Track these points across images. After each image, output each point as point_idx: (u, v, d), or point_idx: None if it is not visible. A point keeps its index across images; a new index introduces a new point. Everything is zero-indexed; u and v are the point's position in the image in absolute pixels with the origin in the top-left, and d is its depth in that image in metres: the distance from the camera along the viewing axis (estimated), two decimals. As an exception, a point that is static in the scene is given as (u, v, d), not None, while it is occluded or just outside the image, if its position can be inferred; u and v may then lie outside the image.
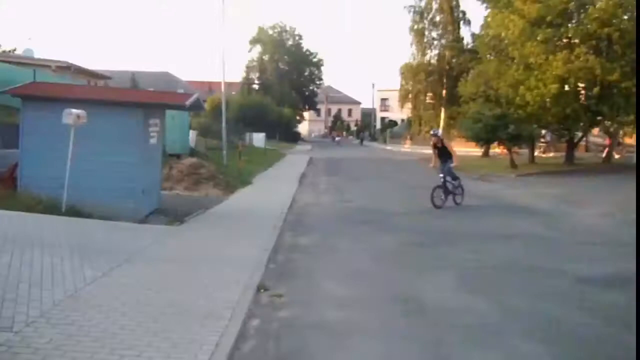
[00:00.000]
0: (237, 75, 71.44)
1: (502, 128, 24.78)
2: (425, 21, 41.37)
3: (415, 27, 41.33)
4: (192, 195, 14.56)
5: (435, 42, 41.29)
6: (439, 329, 5.30)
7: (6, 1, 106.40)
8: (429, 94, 41.72)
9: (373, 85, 78.45)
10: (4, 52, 36.03)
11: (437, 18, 41.11)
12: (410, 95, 42.03)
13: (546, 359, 4.65)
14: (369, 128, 74.86)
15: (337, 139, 62.49)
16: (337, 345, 4.87)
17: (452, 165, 13.55)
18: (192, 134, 24.90)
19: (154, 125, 10.85)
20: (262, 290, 6.30)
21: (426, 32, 41.13)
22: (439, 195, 13.25)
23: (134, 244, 7.99)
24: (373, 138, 67.35)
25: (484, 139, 27.22)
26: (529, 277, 7.25)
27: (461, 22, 41.04)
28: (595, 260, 8.22)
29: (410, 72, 41.16)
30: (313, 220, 11.93)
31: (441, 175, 13.46)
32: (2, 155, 15.90)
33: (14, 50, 38.79)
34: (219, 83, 37.41)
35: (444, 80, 40.14)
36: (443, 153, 13.79)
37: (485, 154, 33.15)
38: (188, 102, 10.97)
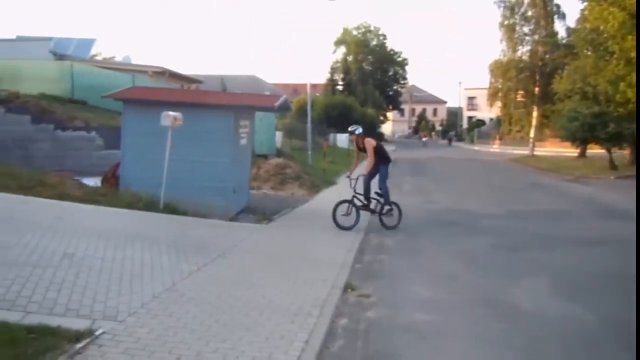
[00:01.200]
0: (321, 76, 72.25)
1: (600, 127, 23.35)
2: (517, 16, 39.63)
3: (506, 22, 39.73)
4: (278, 194, 14.87)
5: (527, 38, 39.49)
6: (531, 335, 5.07)
7: (105, 12, 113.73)
8: (520, 92, 39.99)
9: (460, 83, 76.45)
10: (104, 59, 38.60)
11: (529, 12, 39.32)
12: (500, 93, 40.49)
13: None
14: (455, 128, 73.01)
15: (423, 139, 60.68)
16: (427, 348, 4.79)
17: (365, 173, 10.68)
18: (278, 135, 25.42)
19: (244, 126, 11.19)
20: (349, 290, 6.32)
21: (517, 28, 39.42)
22: (343, 212, 10.17)
23: (226, 240, 8.26)
24: (459, 138, 65.56)
25: (580, 139, 25.79)
26: (624, 285, 6.77)
27: (555, 16, 39.02)
28: None
29: (500, 69, 39.62)
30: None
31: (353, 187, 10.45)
32: (104, 156, 17.12)
33: (114, 57, 41.44)
34: (304, 85, 38.07)
35: (537, 77, 38.34)
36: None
37: (582, 154, 31.38)
38: (277, 104, 11.21)
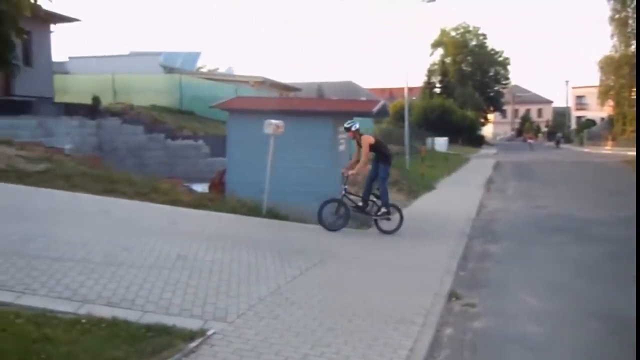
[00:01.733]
0: (417, 79, 71.31)
1: None
2: (629, 9, 36.96)
3: (617, 16, 37.19)
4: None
5: (641, 32, 36.66)
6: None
7: (209, 26, 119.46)
8: (634, 89, 37.14)
9: (567, 82, 72.11)
10: (209, 71, 40.58)
11: (643, 5, 36.50)
12: (611, 91, 37.88)
13: None
14: (563, 128, 68.95)
15: (529, 141, 56.22)
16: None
17: (350, 172, 9.58)
18: (376, 140, 25.32)
19: (343, 132, 11.27)
20: (454, 299, 6.15)
21: (630, 22, 36.74)
22: (331, 211, 9.45)
23: (326, 245, 8.35)
24: (567, 139, 61.74)
25: None
26: None
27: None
28: None
29: (611, 65, 37.17)
30: (502, 227, 11.35)
31: (345, 186, 9.62)
32: (210, 163, 17.99)
33: (217, 69, 43.48)
34: (400, 89, 37.75)
35: (651, 74, 35.45)
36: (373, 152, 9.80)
37: None
38: (375, 109, 11.21)
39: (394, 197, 15.28)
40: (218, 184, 11.51)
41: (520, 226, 11.38)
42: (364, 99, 27.51)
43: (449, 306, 5.91)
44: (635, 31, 36.63)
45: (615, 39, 37.47)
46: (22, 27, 12.42)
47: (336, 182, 10.91)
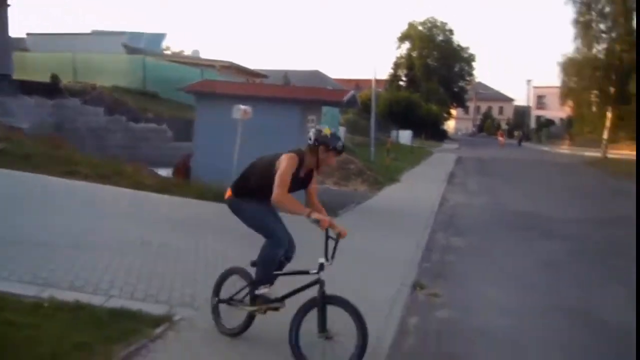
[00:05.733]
0: (383, 72, 71.68)
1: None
2: (593, 13, 37.89)
3: (581, 19, 38.06)
4: (341, 189, 14.89)
5: (604, 35, 37.69)
6: (613, 347, 4.84)
7: (175, 7, 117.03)
8: (594, 92, 38.19)
9: (528, 81, 73.80)
10: (174, 53, 39.83)
11: (607, 9, 37.49)
12: (572, 93, 38.84)
13: None
14: (522, 127, 70.57)
15: (500, 138, 54.71)
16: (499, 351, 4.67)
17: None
18: (341, 130, 25.43)
19: (311, 120, 11.24)
20: (418, 289, 6.23)
21: (593, 25, 37.69)
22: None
23: (295, 233, 8.30)
24: (526, 138, 63.20)
25: (660, 142, 24.39)
26: None
27: (634, 13, 37.02)
28: None
29: (573, 67, 37.98)
30: (465, 221, 11.54)
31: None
32: (175, 147, 17.64)
33: (183, 51, 42.71)
34: (367, 80, 37.83)
35: (612, 77, 36.53)
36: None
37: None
38: (345, 98, 11.21)
39: (358, 187, 15.41)
40: (183, 169, 11.34)
41: (483, 222, 11.59)
42: (330, 88, 27.54)
43: (414, 296, 5.99)
44: (595, 34, 37.69)
45: (579, 41, 38.32)
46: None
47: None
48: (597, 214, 12.09)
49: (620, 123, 34.67)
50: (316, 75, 53.00)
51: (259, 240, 4.35)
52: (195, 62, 30.82)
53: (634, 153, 33.82)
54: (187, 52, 42.10)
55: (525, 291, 6.58)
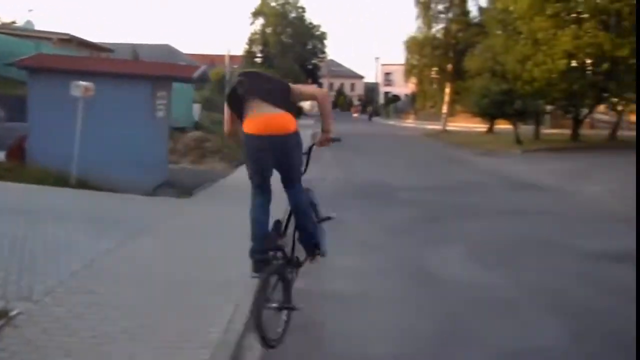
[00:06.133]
0: (239, 48, 70.86)
1: (508, 104, 24.65)
2: (432, -8, 40.66)
3: (421, -1, 40.71)
4: (198, 168, 14.61)
5: (442, 16, 40.70)
6: (449, 301, 5.38)
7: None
8: (434, 69, 41.28)
9: (377, 59, 77.71)
10: (4, 24, 35.74)
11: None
12: (415, 70, 41.61)
13: (561, 330, 4.70)
14: (373, 103, 74.33)
15: (354, 115, 57.12)
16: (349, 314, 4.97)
17: None
18: (197, 107, 24.80)
19: (161, 98, 10.80)
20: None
21: (432, 5, 40.50)
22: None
23: (145, 215, 8.04)
24: (376, 113, 66.86)
25: (490, 115, 27.06)
26: (538, 251, 7.31)
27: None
28: (602, 236, 8.26)
29: (415, 46, 40.66)
30: (317, 192, 11.90)
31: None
32: (8, 128, 15.93)
33: (14, 22, 38.46)
34: (221, 56, 37.13)
35: (450, 55, 39.72)
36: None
37: (490, 129, 33.02)
38: (195, 75, 10.92)
39: (215, 166, 15.21)
40: (17, 151, 10.32)
41: (335, 192, 12.07)
42: (183, 64, 26.63)
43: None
44: (434, 14, 40.48)
45: (420, 20, 40.97)
46: None
47: (153, 149, 10.50)
48: (435, 182, 13.17)
49: (457, 97, 37.86)
50: (167, 49, 50.88)
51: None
52: (28, 34, 27.93)
53: (469, 125, 37.31)
54: (20, 23, 38.03)
55: (369, 255, 7.03)
